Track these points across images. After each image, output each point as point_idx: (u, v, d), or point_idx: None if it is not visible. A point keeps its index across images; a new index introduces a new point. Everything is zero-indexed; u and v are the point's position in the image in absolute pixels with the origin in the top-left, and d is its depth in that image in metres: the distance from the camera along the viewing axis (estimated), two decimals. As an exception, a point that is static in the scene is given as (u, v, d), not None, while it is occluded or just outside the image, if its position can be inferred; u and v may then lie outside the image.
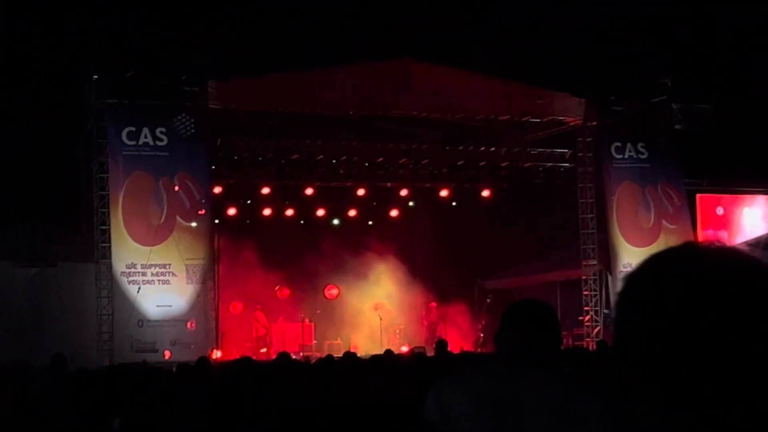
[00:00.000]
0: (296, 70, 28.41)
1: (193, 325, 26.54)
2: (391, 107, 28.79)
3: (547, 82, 30.28)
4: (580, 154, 30.86)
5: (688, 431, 1.59)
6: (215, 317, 27.62)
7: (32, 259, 26.66)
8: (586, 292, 30.33)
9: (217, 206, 29.41)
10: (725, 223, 32.44)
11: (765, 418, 1.57)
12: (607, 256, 30.23)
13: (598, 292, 30.20)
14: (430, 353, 20.93)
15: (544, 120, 30.32)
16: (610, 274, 30.10)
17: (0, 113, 29.31)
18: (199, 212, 27.13)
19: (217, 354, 26.72)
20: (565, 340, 24.58)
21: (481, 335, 31.65)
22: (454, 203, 33.57)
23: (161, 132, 26.85)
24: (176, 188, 26.85)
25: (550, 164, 32.10)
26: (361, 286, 32.62)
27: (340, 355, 16.68)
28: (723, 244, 1.70)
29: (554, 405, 4.56)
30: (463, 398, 4.73)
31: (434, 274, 34.66)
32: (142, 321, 26.16)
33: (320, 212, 33.64)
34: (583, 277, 30.44)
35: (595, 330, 29.73)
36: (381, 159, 31.07)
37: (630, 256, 29.54)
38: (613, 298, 29.64)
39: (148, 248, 26.41)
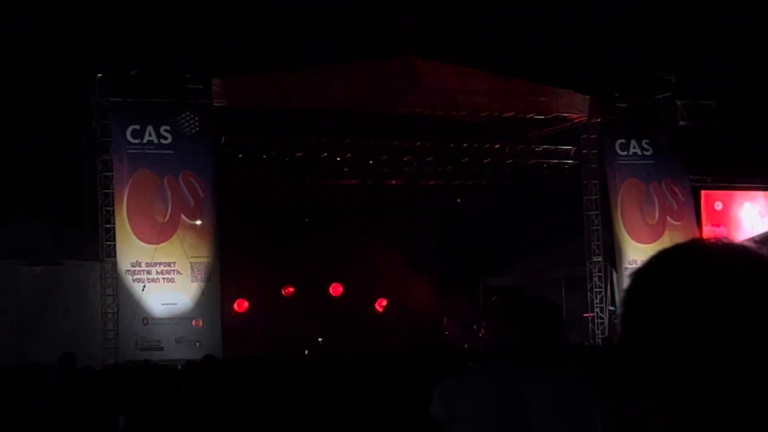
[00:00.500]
0: (300, 68, 28.41)
1: (198, 323, 26.54)
2: (396, 105, 28.79)
3: (552, 79, 30.27)
4: (585, 151, 30.85)
5: (694, 431, 1.59)
6: (220, 315, 27.62)
7: (37, 257, 26.68)
8: (591, 289, 30.31)
9: (221, 204, 29.40)
10: (724, 218, 32.36)
11: None
12: (612, 253, 30.22)
13: (603, 289, 30.19)
14: (435, 351, 20.91)
15: (549, 117, 30.30)
16: (615, 271, 30.09)
17: (5, 112, 29.34)
18: (204, 210, 27.12)
19: (222, 352, 26.72)
20: (569, 338, 24.61)
21: (485, 333, 31.63)
22: (458, 200, 33.55)
23: (165, 130, 26.85)
24: (181, 186, 26.85)
25: (555, 161, 32.09)
26: (365, 283, 32.62)
27: (345, 353, 16.68)
28: (730, 241, 1.70)
29: (560, 402, 4.57)
30: (468, 396, 4.73)
31: (439, 271, 34.67)
32: (147, 319, 26.17)
33: (325, 210, 33.62)
34: (589, 274, 30.42)
35: (600, 327, 29.71)
36: (385, 157, 31.06)
37: (635, 253, 29.53)
38: (618, 295, 29.66)
39: (153, 246, 26.41)
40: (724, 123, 30.83)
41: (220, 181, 28.94)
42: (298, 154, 30.15)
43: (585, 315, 30.08)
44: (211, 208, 27.42)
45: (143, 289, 26.21)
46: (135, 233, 26.40)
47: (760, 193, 33.13)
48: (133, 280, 26.28)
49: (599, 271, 30.35)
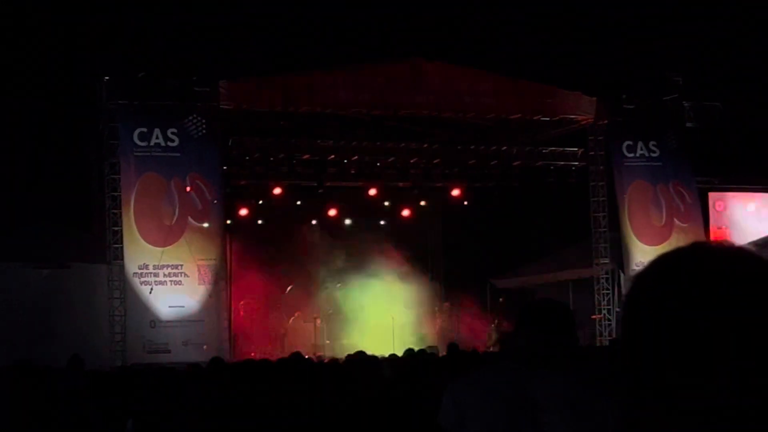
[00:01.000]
0: (307, 71, 28.42)
1: (205, 325, 26.56)
2: (403, 107, 28.78)
3: (558, 80, 30.26)
4: (592, 153, 30.81)
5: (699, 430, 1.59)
6: (227, 317, 27.64)
7: (45, 260, 26.72)
8: (598, 291, 30.28)
9: (228, 207, 29.44)
10: (730, 220, 32.28)
11: None
12: (620, 255, 30.19)
13: (610, 291, 30.16)
14: (443, 353, 20.92)
15: (556, 119, 30.27)
16: (623, 273, 30.06)
17: (12, 115, 29.37)
18: (211, 213, 27.15)
19: (229, 354, 26.72)
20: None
21: (493, 335, 31.60)
22: (465, 202, 33.54)
23: (172, 133, 26.87)
24: (188, 189, 26.86)
25: (562, 163, 32.05)
26: (372, 285, 32.60)
27: (353, 355, 16.65)
28: (730, 244, 1.70)
29: (570, 403, 4.57)
30: (479, 397, 4.74)
31: (446, 273, 34.66)
32: (154, 321, 26.19)
33: (332, 212, 33.65)
34: (596, 276, 30.40)
35: (608, 329, 29.69)
36: (392, 159, 31.04)
37: (642, 255, 29.50)
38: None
39: (160, 249, 26.43)
40: (731, 124, 30.80)
41: (227, 184, 28.97)
42: (305, 157, 30.15)
43: (592, 317, 30.05)
44: (218, 210, 27.43)
45: (150, 292, 26.24)
46: (142, 236, 26.42)
47: (767, 195, 33.07)
48: (141, 283, 26.29)
49: (606, 273, 30.33)
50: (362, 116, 29.09)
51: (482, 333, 32.51)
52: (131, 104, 26.61)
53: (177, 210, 26.69)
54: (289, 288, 32.64)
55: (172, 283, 26.54)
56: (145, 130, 26.68)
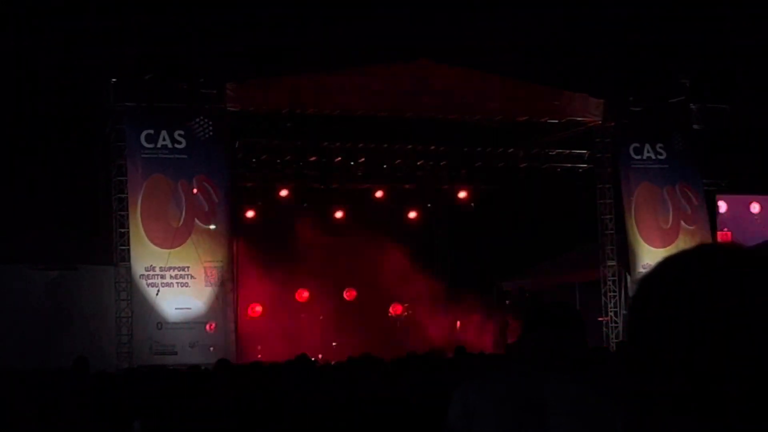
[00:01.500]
0: (314, 72, 28.42)
1: (212, 327, 26.57)
2: (409, 109, 28.78)
3: (565, 82, 30.24)
4: (599, 155, 30.80)
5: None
6: (234, 319, 27.64)
7: (51, 262, 26.74)
8: (605, 293, 30.27)
9: (235, 208, 29.46)
10: (738, 222, 32.20)
11: None
12: (627, 257, 30.17)
13: (617, 293, 30.13)
14: (449, 355, 20.92)
15: (562, 121, 30.27)
16: (630, 275, 30.03)
17: (19, 118, 29.40)
18: (217, 215, 27.16)
19: (236, 356, 26.72)
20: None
21: (500, 337, 31.59)
22: (472, 204, 33.55)
23: (179, 135, 26.89)
24: (195, 191, 26.87)
25: (569, 165, 32.05)
26: (379, 287, 32.63)
27: (359, 357, 16.66)
28: (736, 245, 1.70)
29: (579, 406, 4.57)
30: (487, 399, 4.73)
31: (452, 275, 34.64)
32: (161, 323, 26.20)
33: (338, 214, 33.67)
34: (602, 278, 30.38)
35: (615, 331, 29.67)
36: (399, 161, 31.06)
37: (649, 257, 29.49)
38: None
39: (167, 251, 26.45)
40: (738, 127, 30.76)
41: (233, 186, 28.99)
42: (312, 158, 30.18)
43: (599, 319, 30.02)
44: (224, 212, 27.45)
45: (157, 294, 26.26)
46: (149, 238, 26.45)
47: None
48: (147, 285, 26.31)
49: (613, 275, 30.30)
50: (369, 118, 29.08)
51: (488, 335, 32.50)
52: (138, 106, 26.65)
53: (184, 212, 26.71)
54: (295, 290, 32.63)
55: (178, 284, 26.56)
56: (152, 132, 26.70)
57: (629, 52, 30.67)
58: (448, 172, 31.82)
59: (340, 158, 30.39)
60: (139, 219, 26.47)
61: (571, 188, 31.49)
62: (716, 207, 31.60)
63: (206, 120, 27.11)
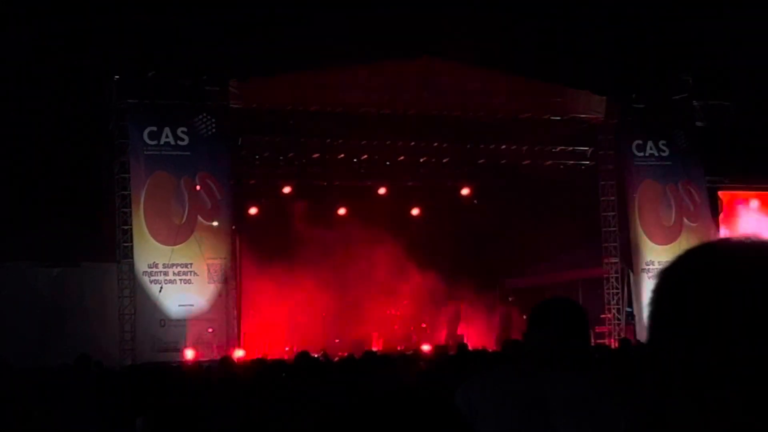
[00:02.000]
0: (317, 69, 28.41)
1: (215, 324, 26.58)
2: (413, 106, 28.77)
3: (568, 79, 30.22)
4: (602, 152, 30.78)
5: (722, 429, 1.58)
6: (237, 316, 27.66)
7: (54, 259, 26.75)
8: (607, 290, 30.27)
9: (238, 205, 29.48)
10: (741, 219, 32.16)
11: None
12: (629, 254, 30.17)
13: (620, 290, 30.14)
14: (451, 352, 20.92)
15: (565, 118, 30.26)
16: (632, 272, 30.04)
17: (22, 114, 29.40)
18: (220, 211, 27.17)
19: (239, 353, 26.73)
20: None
21: (502, 334, 31.59)
22: (475, 201, 33.52)
23: (182, 132, 26.90)
24: (197, 188, 26.89)
25: (572, 162, 32.04)
26: (382, 284, 32.61)
27: (362, 354, 16.67)
28: (757, 238, 1.69)
29: (582, 403, 4.56)
30: (491, 396, 4.73)
31: (455, 272, 34.60)
32: (164, 320, 26.21)
33: (341, 211, 33.65)
34: (605, 275, 30.38)
35: (618, 328, 29.67)
36: (402, 158, 31.03)
37: (652, 254, 29.51)
38: (634, 296, 29.64)
39: (170, 248, 26.47)
40: (741, 124, 30.74)
41: (236, 183, 29.02)
42: (315, 156, 30.16)
43: (602, 316, 30.03)
44: (227, 209, 27.46)
45: (160, 291, 26.27)
46: (152, 234, 26.46)
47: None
48: (150, 282, 26.33)
49: (616, 273, 30.30)
50: (372, 115, 29.07)
51: (491, 332, 32.51)
52: (141, 103, 26.66)
53: (187, 209, 26.72)
54: (298, 287, 32.64)
55: (181, 281, 26.58)
56: (155, 129, 26.72)
57: (632, 49, 30.64)
58: (451, 169, 31.79)
59: (342, 155, 30.37)
60: (142, 216, 26.48)
61: (573, 185, 31.48)
62: (723, 204, 31.60)
63: (209, 117, 27.12)
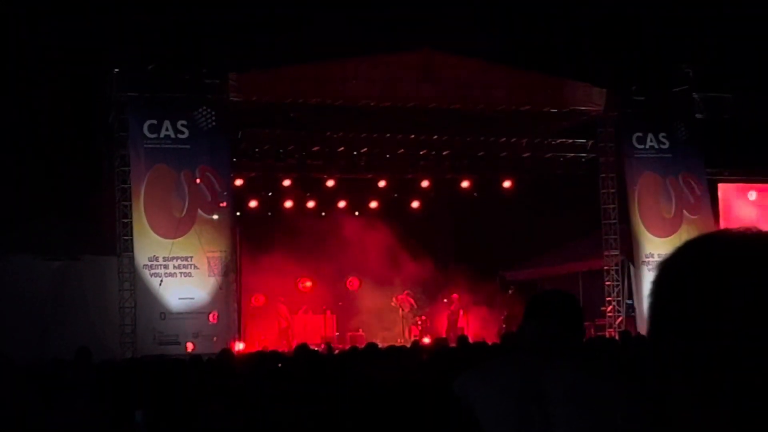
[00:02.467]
0: (317, 62, 28.40)
1: (215, 317, 26.59)
2: (412, 98, 28.75)
3: (568, 72, 30.21)
4: (602, 145, 30.77)
5: (724, 421, 1.57)
6: (237, 309, 27.67)
7: (55, 252, 26.74)
8: (608, 283, 30.27)
9: (238, 199, 29.49)
10: (742, 211, 32.15)
11: None
12: (629, 247, 30.17)
13: (620, 283, 30.14)
14: (452, 344, 20.93)
15: (565, 110, 30.24)
16: (632, 265, 30.05)
17: (22, 107, 29.41)
18: (221, 205, 27.17)
19: (239, 346, 26.76)
20: (587, 331, 24.54)
21: (503, 326, 31.60)
22: (475, 194, 33.50)
23: (182, 125, 26.90)
24: (198, 181, 26.89)
25: (572, 155, 32.02)
26: (382, 277, 32.64)
27: (363, 347, 16.68)
28: (758, 230, 1.69)
29: (579, 394, 4.57)
30: (488, 388, 4.74)
31: (455, 265, 34.62)
32: (164, 313, 26.23)
33: (341, 204, 33.65)
34: (605, 268, 30.38)
35: (618, 320, 29.68)
36: (402, 150, 31.00)
37: (652, 247, 29.52)
38: (635, 289, 29.65)
39: (170, 241, 26.47)
40: (741, 116, 30.74)
41: (236, 176, 29.03)
42: (315, 148, 30.14)
43: (602, 309, 30.05)
44: (228, 202, 27.45)
45: (160, 284, 26.29)
46: (152, 228, 26.46)
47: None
48: (151, 275, 26.35)
49: (616, 265, 30.30)
50: (372, 108, 29.05)
51: (491, 325, 32.53)
52: (141, 96, 26.65)
53: (187, 202, 26.73)
54: (298, 280, 32.67)
55: (182, 275, 26.59)
56: (155, 122, 26.71)
57: (632, 42, 30.64)
58: (451, 162, 31.76)
59: (342, 148, 30.35)
60: (142, 209, 26.48)
61: (573, 178, 31.48)
62: (723, 196, 31.62)
63: (209, 110, 27.11)
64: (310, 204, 33.35)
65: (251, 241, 30.82)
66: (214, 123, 27.16)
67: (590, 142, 31.46)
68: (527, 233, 33.49)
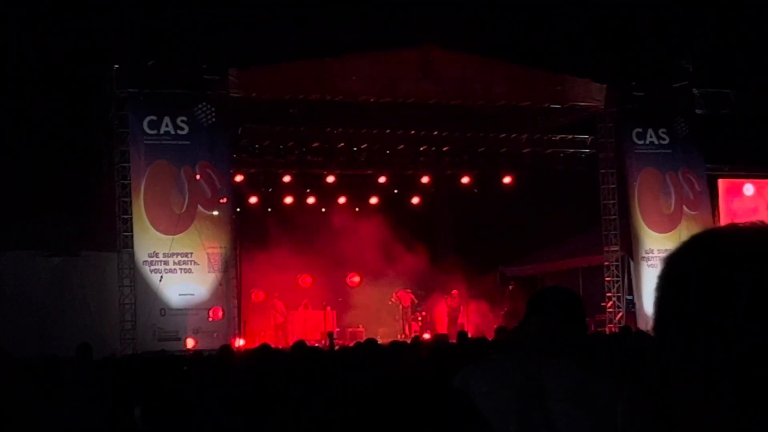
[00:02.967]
0: (317, 58, 28.39)
1: (215, 313, 26.59)
2: (412, 94, 28.75)
3: (568, 68, 30.21)
4: (602, 140, 30.77)
5: (728, 418, 1.57)
6: (237, 305, 27.66)
7: (55, 248, 26.74)
8: (608, 278, 30.27)
9: (238, 195, 29.48)
10: (742, 207, 32.10)
11: None
12: (629, 242, 30.17)
13: (620, 278, 30.14)
14: (452, 341, 20.93)
15: (565, 106, 30.24)
16: (632, 260, 30.05)
17: (22, 104, 29.40)
18: (221, 201, 27.17)
19: (239, 342, 26.75)
20: (587, 327, 24.56)
21: (503, 322, 31.59)
22: (475, 190, 33.49)
23: (182, 121, 26.89)
24: (197, 177, 26.88)
25: (572, 150, 31.99)
26: (382, 273, 32.62)
27: (363, 343, 16.67)
28: (764, 224, 1.68)
29: (579, 391, 4.57)
30: (488, 384, 4.73)
31: (455, 261, 34.60)
32: (164, 309, 26.24)
33: (341, 200, 33.64)
34: (605, 263, 30.38)
35: (618, 316, 29.68)
36: (402, 146, 30.98)
37: (652, 242, 29.53)
38: (635, 284, 29.65)
39: (170, 237, 26.47)
40: (741, 111, 30.72)
41: (236, 172, 29.02)
42: (315, 145, 30.12)
43: (602, 304, 30.05)
44: (227, 198, 27.44)
45: (160, 280, 26.29)
46: (152, 224, 26.46)
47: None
48: (151, 271, 26.35)
49: (616, 261, 30.30)
50: (372, 104, 29.04)
51: (492, 321, 32.51)
52: (141, 92, 26.64)
53: (187, 198, 26.73)
54: (298, 276, 32.65)
55: (182, 271, 26.60)
56: (154, 118, 26.71)
57: (632, 37, 30.62)
58: (451, 158, 31.75)
59: (342, 144, 30.34)
60: (142, 205, 26.48)
61: (573, 173, 31.47)
62: (723, 192, 31.59)
63: (209, 106, 27.10)
64: (310, 200, 33.35)
65: (251, 237, 30.80)
66: (214, 119, 27.15)
67: (590, 138, 31.45)
68: (527, 229, 33.49)
